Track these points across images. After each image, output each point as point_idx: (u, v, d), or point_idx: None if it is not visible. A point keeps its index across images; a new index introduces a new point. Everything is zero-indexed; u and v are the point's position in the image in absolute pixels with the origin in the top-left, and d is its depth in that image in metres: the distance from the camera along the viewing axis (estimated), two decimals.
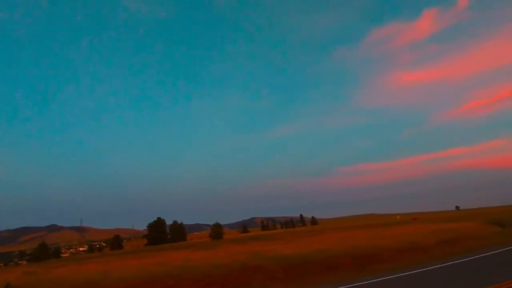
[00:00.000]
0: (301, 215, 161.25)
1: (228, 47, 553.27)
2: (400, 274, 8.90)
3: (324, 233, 32.81)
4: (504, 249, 12.33)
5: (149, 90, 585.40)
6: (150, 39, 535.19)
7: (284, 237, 31.45)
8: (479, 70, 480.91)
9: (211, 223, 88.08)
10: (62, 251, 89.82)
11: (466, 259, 10.63)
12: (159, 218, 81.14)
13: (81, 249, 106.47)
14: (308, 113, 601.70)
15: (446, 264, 9.96)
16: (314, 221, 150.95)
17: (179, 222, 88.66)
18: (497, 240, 15.42)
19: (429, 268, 9.51)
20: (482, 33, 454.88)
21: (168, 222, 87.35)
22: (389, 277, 8.71)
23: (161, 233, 79.72)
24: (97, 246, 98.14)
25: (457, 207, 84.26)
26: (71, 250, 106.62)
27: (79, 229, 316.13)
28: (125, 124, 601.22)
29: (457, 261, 10.27)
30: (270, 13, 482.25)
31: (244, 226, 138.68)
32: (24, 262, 62.89)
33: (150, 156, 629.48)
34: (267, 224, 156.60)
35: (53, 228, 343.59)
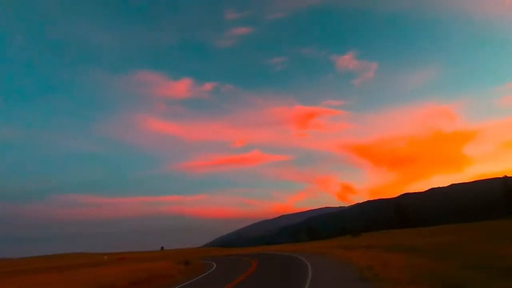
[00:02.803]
0: None
1: None
2: None
3: None
4: (182, 285, 14.78)
5: None
6: None
7: None
8: (204, 139, 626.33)
9: None
10: None
11: None
12: None
13: None
14: (40, 122, 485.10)
15: None
16: None
17: None
18: (180, 278, 18.33)
19: None
20: (213, 114, 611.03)
21: None
22: None
23: None
24: None
25: (162, 248, 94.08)
26: None
27: None
28: None
29: None
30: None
31: None
32: None
33: None
34: None
35: None
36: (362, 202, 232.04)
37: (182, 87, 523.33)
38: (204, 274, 19.30)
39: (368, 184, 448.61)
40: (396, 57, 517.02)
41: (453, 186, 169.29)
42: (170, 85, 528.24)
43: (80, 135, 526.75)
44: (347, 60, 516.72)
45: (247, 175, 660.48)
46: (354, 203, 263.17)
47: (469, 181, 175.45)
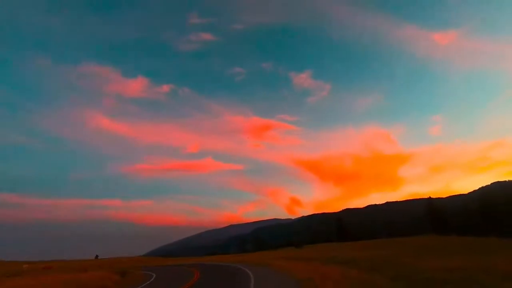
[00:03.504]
0: None
1: None
2: None
3: None
4: None
5: None
6: None
7: None
8: (156, 142, 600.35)
9: None
10: None
11: None
12: None
13: None
14: None
15: None
16: None
17: None
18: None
19: None
20: (167, 117, 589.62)
21: None
22: None
23: None
24: None
25: (96, 256, 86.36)
26: None
27: None
28: None
29: None
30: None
31: None
32: None
33: None
34: None
35: None
36: (308, 215, 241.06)
37: (137, 85, 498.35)
38: (142, 286, 18.12)
39: (314, 198, 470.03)
40: (348, 81, 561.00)
41: (388, 203, 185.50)
42: (123, 82, 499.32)
43: (12, 127, 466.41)
44: (303, 78, 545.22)
45: (197, 182, 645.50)
46: (301, 215, 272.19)
47: (402, 199, 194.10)
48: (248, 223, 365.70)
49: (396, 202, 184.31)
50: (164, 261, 65.05)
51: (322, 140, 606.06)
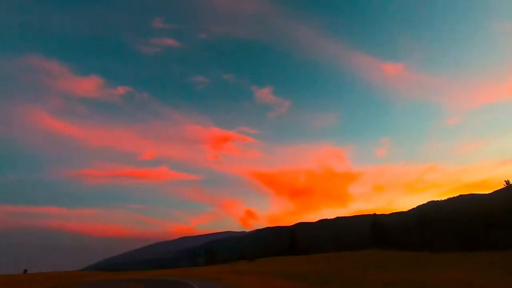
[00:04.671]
0: None
1: None
2: None
3: None
4: None
5: None
6: None
7: None
8: (106, 146, 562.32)
9: None
10: None
11: None
12: None
13: None
14: None
15: None
16: None
17: None
18: None
19: None
20: (122, 121, 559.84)
21: None
22: None
23: None
24: None
25: (25, 271, 76.77)
26: None
27: None
28: None
29: None
30: None
31: None
32: None
33: None
34: None
35: None
36: (262, 228, 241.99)
37: (89, 85, 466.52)
38: None
39: (269, 212, 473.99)
40: (306, 100, 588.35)
41: (337, 218, 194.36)
42: (73, 79, 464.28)
43: None
44: (265, 93, 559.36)
45: (150, 191, 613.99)
46: (255, 228, 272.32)
47: (350, 215, 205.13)
48: (201, 235, 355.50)
49: (345, 217, 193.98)
50: (105, 276, 59.96)
51: (279, 154, 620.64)
